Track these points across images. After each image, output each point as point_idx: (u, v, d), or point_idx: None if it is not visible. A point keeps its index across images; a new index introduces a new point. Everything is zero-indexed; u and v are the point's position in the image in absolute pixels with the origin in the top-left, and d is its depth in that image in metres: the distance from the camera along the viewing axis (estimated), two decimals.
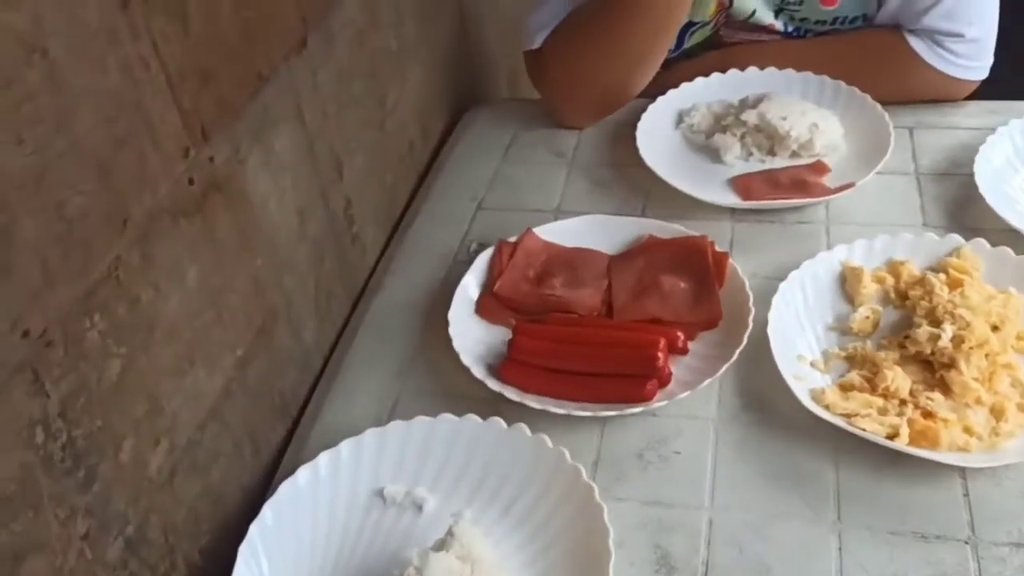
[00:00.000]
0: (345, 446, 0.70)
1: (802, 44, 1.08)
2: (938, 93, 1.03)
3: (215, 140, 0.64)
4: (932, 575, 0.62)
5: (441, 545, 0.61)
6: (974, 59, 1.00)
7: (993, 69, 1.03)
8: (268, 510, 0.66)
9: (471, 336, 0.80)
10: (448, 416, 0.71)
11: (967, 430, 0.69)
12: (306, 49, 0.77)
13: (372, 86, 0.92)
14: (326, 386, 0.80)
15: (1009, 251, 0.80)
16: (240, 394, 0.70)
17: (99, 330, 0.54)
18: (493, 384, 0.74)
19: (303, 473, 0.68)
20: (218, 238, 0.66)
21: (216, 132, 0.64)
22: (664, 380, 0.74)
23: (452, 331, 0.79)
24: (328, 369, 0.83)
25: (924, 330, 0.74)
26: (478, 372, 0.75)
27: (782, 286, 0.79)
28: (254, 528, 0.64)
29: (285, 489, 0.67)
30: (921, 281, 0.80)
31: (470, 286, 0.84)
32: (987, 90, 1.06)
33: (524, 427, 0.70)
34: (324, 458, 0.69)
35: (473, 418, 0.71)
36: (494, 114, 1.12)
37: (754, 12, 1.04)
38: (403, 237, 0.95)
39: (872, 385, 0.73)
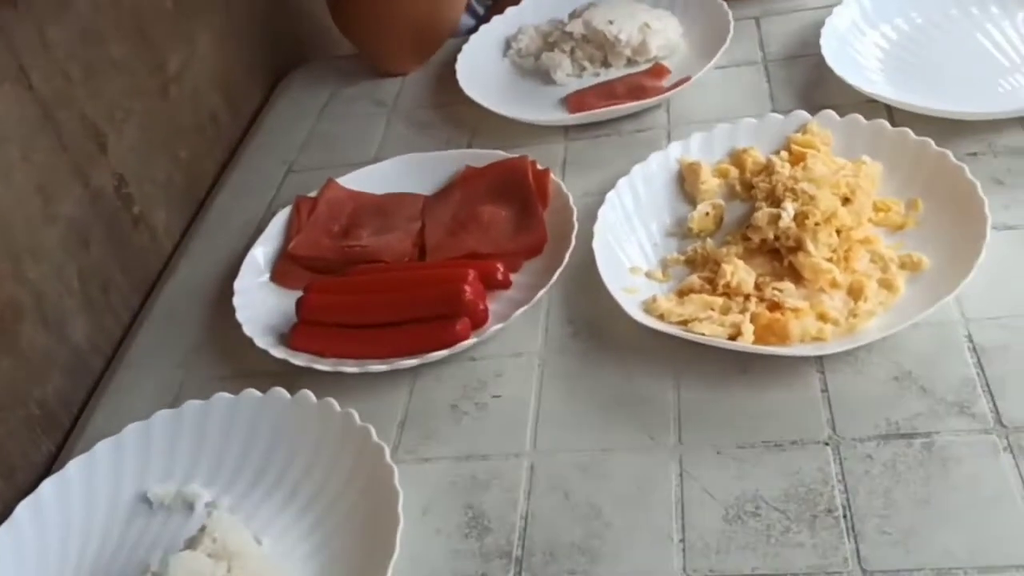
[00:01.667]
0: (101, 448, 0.59)
1: None
2: None
3: None
4: (788, 487, 0.52)
5: (191, 543, 0.50)
6: None
7: None
8: (4, 535, 0.54)
9: (264, 306, 0.69)
10: (222, 395, 0.61)
11: (822, 317, 0.59)
12: (19, 2, 0.67)
13: (140, 49, 0.81)
14: (100, 391, 0.69)
15: (859, 118, 0.71)
16: None
17: None
18: (278, 352, 0.64)
19: (47, 486, 0.57)
20: None
21: None
22: (479, 318, 0.64)
23: (237, 301, 0.68)
24: (107, 372, 0.71)
25: (764, 212, 0.64)
26: (264, 342, 0.65)
27: (609, 195, 0.69)
28: None
29: (23, 509, 0.56)
30: (767, 166, 0.70)
31: (260, 252, 0.73)
32: None
33: (308, 393, 0.59)
34: (74, 466, 0.58)
35: (252, 393, 0.60)
36: (312, 75, 1.02)
37: None
38: (204, 216, 0.85)
39: (713, 285, 0.63)
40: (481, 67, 0.91)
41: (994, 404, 0.53)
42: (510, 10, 0.96)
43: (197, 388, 0.66)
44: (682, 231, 0.69)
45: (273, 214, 0.80)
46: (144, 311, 0.76)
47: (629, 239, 0.68)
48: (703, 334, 0.59)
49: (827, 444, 0.53)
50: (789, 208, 0.63)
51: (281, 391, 0.60)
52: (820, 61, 0.79)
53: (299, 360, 0.63)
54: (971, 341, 0.57)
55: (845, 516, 0.50)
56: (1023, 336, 0.56)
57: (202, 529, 0.50)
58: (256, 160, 0.90)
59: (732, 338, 0.58)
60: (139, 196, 0.78)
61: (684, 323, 0.60)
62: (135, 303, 0.77)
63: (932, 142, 0.67)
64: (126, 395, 0.68)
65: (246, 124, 0.97)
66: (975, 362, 0.56)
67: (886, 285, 0.61)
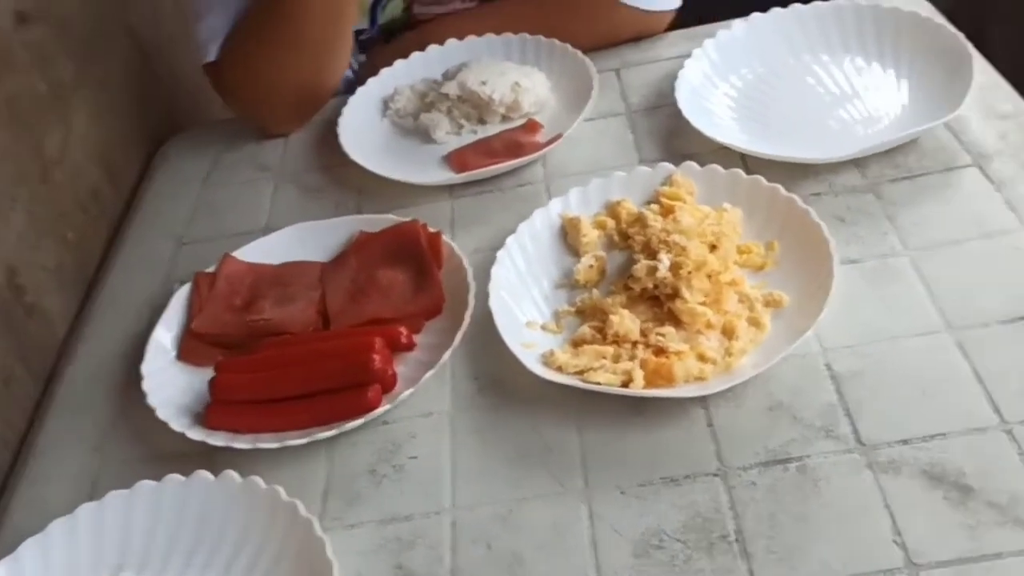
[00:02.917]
0: (26, 548, 0.60)
1: (498, 8, 1.04)
2: (637, 30, 1.02)
3: None
4: (686, 518, 0.58)
5: None
6: None
7: None
8: None
9: (174, 386, 0.71)
10: (145, 483, 0.62)
11: (701, 357, 0.66)
12: None
13: (18, 135, 0.81)
14: (13, 485, 0.69)
15: (718, 168, 0.78)
16: None
17: None
18: (195, 434, 0.65)
19: None
20: None
21: None
22: (388, 383, 0.67)
23: (146, 385, 0.69)
24: (17, 464, 0.71)
25: (642, 264, 0.70)
26: (178, 425, 0.66)
27: (499, 254, 0.74)
28: None
29: None
30: (640, 218, 0.76)
31: (163, 333, 0.75)
32: (687, 18, 1.05)
33: (233, 474, 0.61)
34: (1, 568, 0.58)
35: (175, 478, 0.62)
36: (190, 142, 1.03)
37: None
38: (96, 297, 0.85)
39: (604, 335, 0.69)
40: (361, 128, 0.94)
41: (854, 426, 0.61)
42: (384, 71, 1.00)
43: (114, 473, 0.67)
44: (570, 283, 0.75)
45: (168, 290, 0.82)
46: (46, 399, 0.76)
47: (522, 295, 0.73)
48: (599, 383, 0.64)
49: (716, 475, 0.60)
50: (664, 259, 0.69)
51: (205, 474, 0.62)
52: (676, 111, 0.86)
53: (217, 440, 0.65)
54: (830, 370, 0.64)
55: (737, 540, 0.56)
56: (872, 362, 0.64)
57: None
58: (143, 235, 0.91)
59: (625, 384, 0.64)
60: (31, 285, 0.78)
61: (580, 373, 0.66)
62: (36, 392, 0.76)
63: (782, 188, 0.74)
64: (42, 486, 0.68)
65: (128, 197, 0.97)
66: (835, 388, 0.63)
67: (754, 323, 0.68)
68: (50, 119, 0.86)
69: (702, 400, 0.64)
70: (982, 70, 0.85)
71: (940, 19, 0.89)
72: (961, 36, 0.85)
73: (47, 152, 0.84)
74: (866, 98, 0.86)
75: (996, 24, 1.77)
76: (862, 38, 0.91)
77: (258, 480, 0.61)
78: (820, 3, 0.93)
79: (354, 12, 0.94)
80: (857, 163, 0.80)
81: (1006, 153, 0.78)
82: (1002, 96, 0.84)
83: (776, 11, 0.94)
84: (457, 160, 0.89)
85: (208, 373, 0.72)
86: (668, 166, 0.80)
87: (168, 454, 0.67)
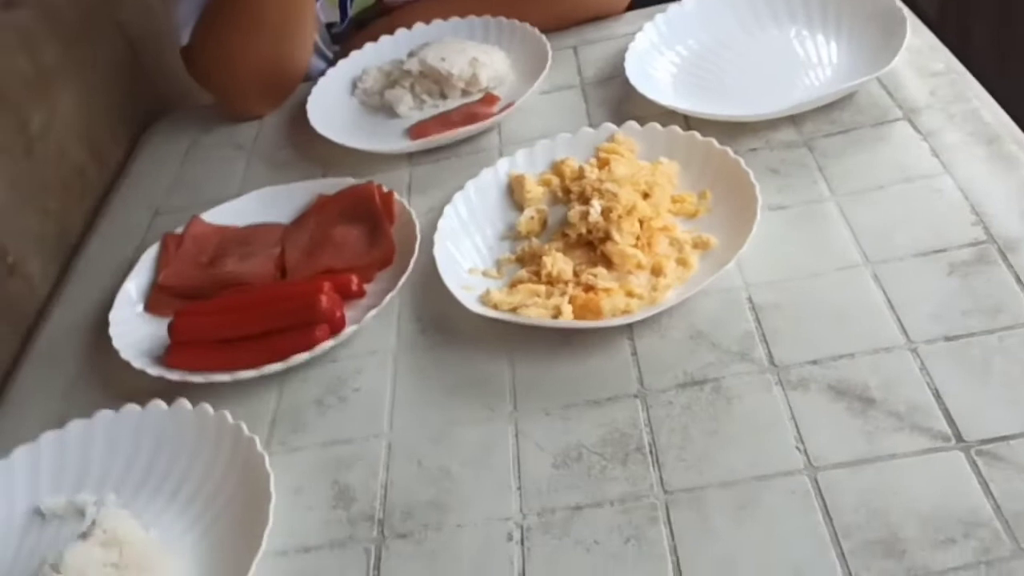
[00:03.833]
0: None
1: None
2: (598, 10, 1.06)
3: None
4: (605, 434, 0.61)
5: (83, 536, 0.56)
6: None
7: None
8: None
9: (138, 334, 0.75)
10: (105, 412, 0.67)
11: (630, 294, 0.69)
12: None
13: (2, 112, 0.86)
14: None
15: (657, 126, 0.82)
16: None
17: None
18: (154, 371, 0.70)
19: None
20: None
21: None
22: (337, 325, 0.71)
23: (113, 331, 0.74)
24: None
25: (576, 210, 0.74)
26: (140, 363, 0.71)
27: (446, 208, 0.78)
28: None
29: None
30: (580, 172, 0.80)
31: (132, 286, 0.79)
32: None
33: (184, 402, 0.66)
34: None
35: (132, 407, 0.66)
36: (173, 125, 1.08)
37: None
38: (76, 262, 0.90)
39: (540, 277, 0.72)
40: (331, 107, 0.99)
41: (768, 350, 0.64)
42: (354, 53, 1.05)
43: (81, 414, 0.71)
44: (513, 235, 0.79)
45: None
46: (22, 354, 0.81)
47: (466, 244, 0.77)
48: (530, 316, 0.68)
49: (636, 396, 0.63)
50: (596, 205, 0.73)
51: (159, 402, 0.66)
52: (626, 81, 0.91)
53: (174, 375, 0.69)
54: (751, 302, 0.68)
55: (651, 452, 0.59)
56: (791, 295, 0.67)
57: (93, 523, 0.56)
58: (124, 207, 0.96)
59: (554, 318, 0.68)
60: (12, 248, 0.83)
61: (514, 309, 0.69)
62: (15, 348, 0.81)
63: (715, 141, 0.78)
64: (13, 430, 0.72)
65: (112, 176, 1.02)
66: (754, 318, 0.66)
67: (682, 263, 0.71)
68: (35, 99, 0.91)
69: (628, 331, 0.68)
70: (917, 32, 0.88)
71: None
72: (898, 1, 0.89)
73: (31, 129, 0.90)
74: (807, 63, 0.89)
75: (980, 23, 1.80)
76: (807, 9, 0.95)
77: (207, 407, 0.65)
78: None
79: None
80: (794, 120, 0.83)
81: (935, 107, 0.81)
82: (936, 57, 0.87)
83: None
84: (417, 131, 0.94)
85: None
86: (611, 126, 0.84)
87: (131, 394, 0.71)
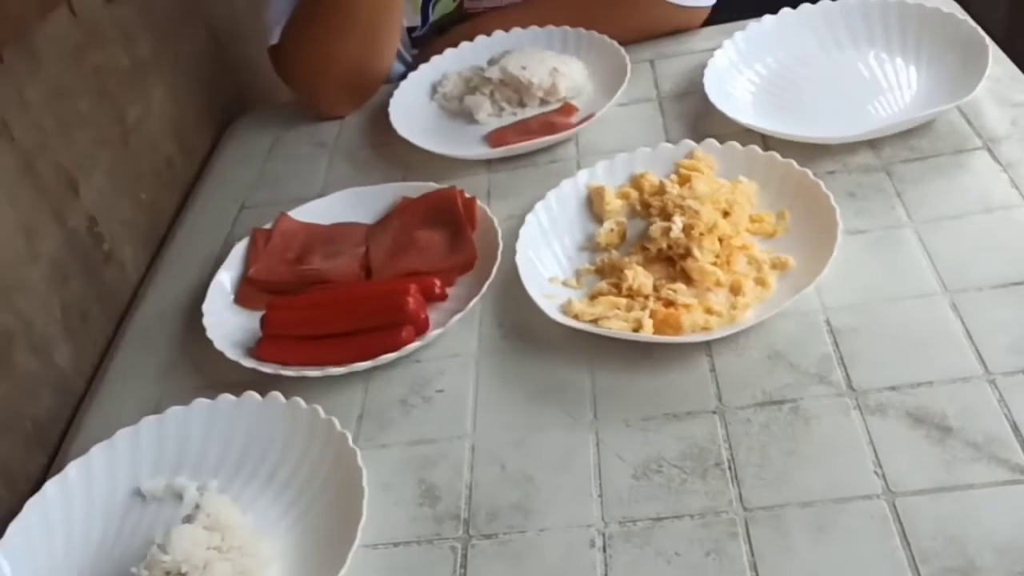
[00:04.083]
0: (96, 450, 0.67)
1: (543, 3, 1.11)
2: (674, 24, 1.08)
3: None
4: (684, 448, 0.63)
5: (188, 519, 0.59)
6: None
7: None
8: (13, 529, 0.63)
9: (230, 325, 0.78)
10: (201, 400, 0.70)
11: (708, 311, 0.71)
12: (2, 64, 0.75)
13: (103, 103, 0.90)
14: (85, 406, 0.77)
15: (736, 144, 0.83)
16: None
17: None
18: (248, 363, 0.73)
19: (51, 486, 0.65)
20: None
21: None
22: (421, 326, 0.74)
23: (207, 322, 0.77)
24: (90, 390, 0.80)
25: (657, 226, 0.76)
26: (234, 355, 0.74)
27: (528, 216, 0.81)
28: None
29: (31, 505, 0.64)
30: (660, 187, 0.82)
31: (225, 278, 0.82)
32: (723, 16, 1.11)
33: (278, 395, 0.68)
34: (73, 467, 0.66)
35: (227, 397, 0.69)
36: (257, 121, 1.11)
37: None
38: (166, 251, 0.93)
39: (619, 289, 0.74)
40: (412, 110, 1.02)
41: (846, 374, 0.65)
42: (435, 58, 1.07)
43: (175, 398, 0.74)
44: (592, 245, 0.81)
45: (230, 247, 0.90)
46: (118, 336, 0.84)
47: (546, 253, 0.79)
48: (611, 328, 0.70)
49: (715, 413, 0.65)
50: (678, 221, 0.75)
51: (253, 394, 0.69)
52: (704, 97, 0.92)
53: (267, 368, 0.72)
54: (829, 325, 0.69)
55: (730, 468, 0.61)
56: (869, 319, 0.68)
57: (197, 507, 0.59)
58: (211, 199, 0.99)
59: (635, 331, 0.70)
60: (108, 235, 0.87)
61: (595, 321, 0.71)
62: (110, 330, 0.85)
63: (795, 163, 0.79)
64: (111, 408, 0.76)
65: (198, 167, 1.06)
66: (832, 341, 0.68)
67: (760, 282, 0.73)
68: (131, 91, 0.95)
69: (706, 347, 0.70)
70: (999, 62, 0.89)
71: (962, 15, 0.94)
72: (979, 29, 0.89)
73: (127, 121, 0.93)
74: (886, 86, 0.90)
75: None
76: (887, 32, 0.95)
77: (300, 400, 0.68)
78: (849, 0, 0.98)
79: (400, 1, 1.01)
80: (872, 145, 0.84)
81: (1015, 137, 0.82)
82: (1017, 87, 0.87)
83: (805, 7, 0.99)
84: (496, 138, 0.96)
85: (259, 316, 0.79)
86: (690, 143, 0.85)
87: (222, 382, 0.74)
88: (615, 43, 1.02)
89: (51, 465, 0.74)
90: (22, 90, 0.77)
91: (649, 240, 0.76)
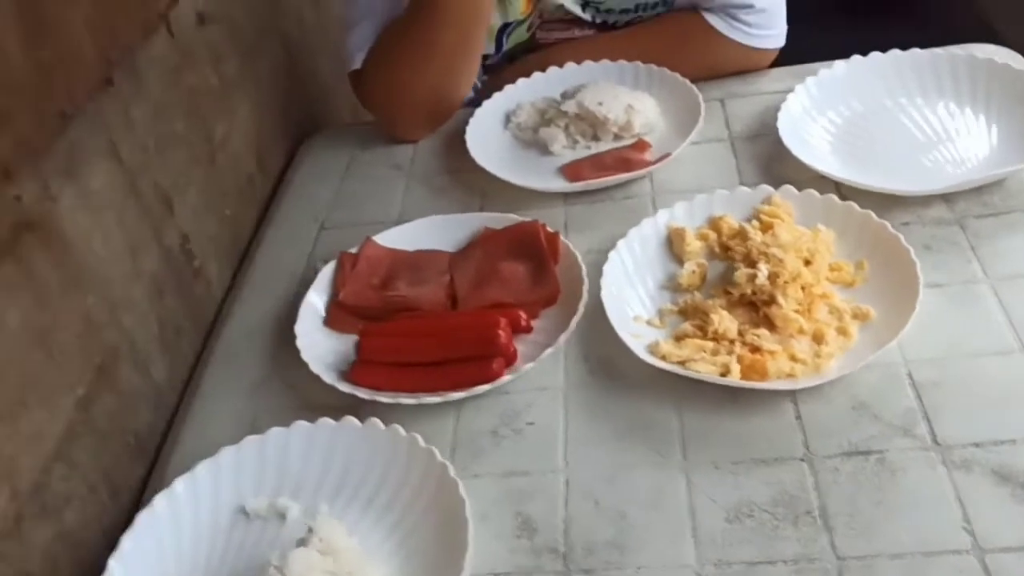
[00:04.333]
0: (201, 467, 0.70)
1: (614, 36, 1.13)
2: (743, 64, 1.10)
3: (19, 179, 0.64)
4: (775, 494, 0.65)
5: (302, 542, 0.61)
6: (767, 28, 1.07)
7: (792, 38, 1.11)
8: (126, 541, 0.65)
9: (321, 347, 0.81)
10: (302, 423, 0.72)
11: (793, 358, 0.73)
12: (112, 87, 0.78)
13: (195, 122, 0.92)
14: (180, 420, 0.80)
15: (814, 192, 0.86)
16: (87, 435, 0.69)
17: None
18: (344, 387, 0.75)
19: (160, 500, 0.68)
20: (37, 278, 0.65)
21: (18, 172, 0.64)
22: (510, 358, 0.76)
23: (300, 343, 0.79)
24: (182, 404, 0.82)
25: (743, 272, 0.78)
26: (329, 378, 0.76)
27: (611, 254, 0.83)
28: (113, 561, 0.63)
29: (143, 518, 0.66)
30: (740, 231, 0.84)
31: (315, 300, 0.85)
32: (789, 58, 1.13)
33: (377, 421, 0.71)
34: (180, 483, 0.69)
35: (327, 421, 0.72)
36: (331, 140, 1.14)
37: (561, 5, 1.09)
38: (249, 267, 0.96)
39: (704, 332, 0.77)
40: (487, 138, 1.04)
41: (931, 427, 0.68)
42: (507, 87, 1.09)
43: (269, 417, 0.77)
44: (672, 285, 0.83)
45: (313, 267, 0.93)
46: (207, 351, 0.87)
47: (630, 292, 0.82)
48: (699, 371, 0.73)
49: (803, 460, 0.67)
50: (763, 269, 0.77)
51: (352, 419, 0.72)
52: (777, 140, 0.94)
53: (363, 394, 0.75)
54: (911, 378, 0.71)
55: (821, 516, 0.63)
56: (951, 374, 0.71)
57: (310, 530, 0.62)
58: (289, 217, 1.02)
59: (722, 375, 0.72)
60: (198, 251, 0.89)
61: (683, 363, 0.74)
62: (198, 345, 0.87)
63: (874, 214, 0.82)
64: (206, 423, 0.78)
65: (274, 184, 1.08)
66: (915, 395, 0.70)
67: (842, 332, 0.75)
68: (219, 110, 0.97)
69: (791, 394, 0.72)
70: None
71: None
72: None
73: (215, 139, 0.96)
74: (957, 140, 0.93)
75: None
76: (956, 85, 0.98)
77: (399, 428, 0.70)
78: (918, 51, 1.01)
79: (480, 33, 1.03)
80: (945, 198, 0.87)
81: None
82: None
83: (875, 56, 1.02)
84: (572, 171, 0.99)
85: (348, 339, 0.82)
86: (768, 188, 0.88)
87: (314, 404, 0.77)
88: (687, 82, 1.04)
89: (149, 477, 0.76)
90: (128, 111, 0.80)
91: (733, 285, 0.78)
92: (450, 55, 1.02)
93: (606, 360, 0.78)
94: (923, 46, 1.01)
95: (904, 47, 1.01)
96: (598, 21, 1.12)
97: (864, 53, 1.02)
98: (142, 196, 0.81)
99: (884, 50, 1.02)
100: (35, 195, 0.66)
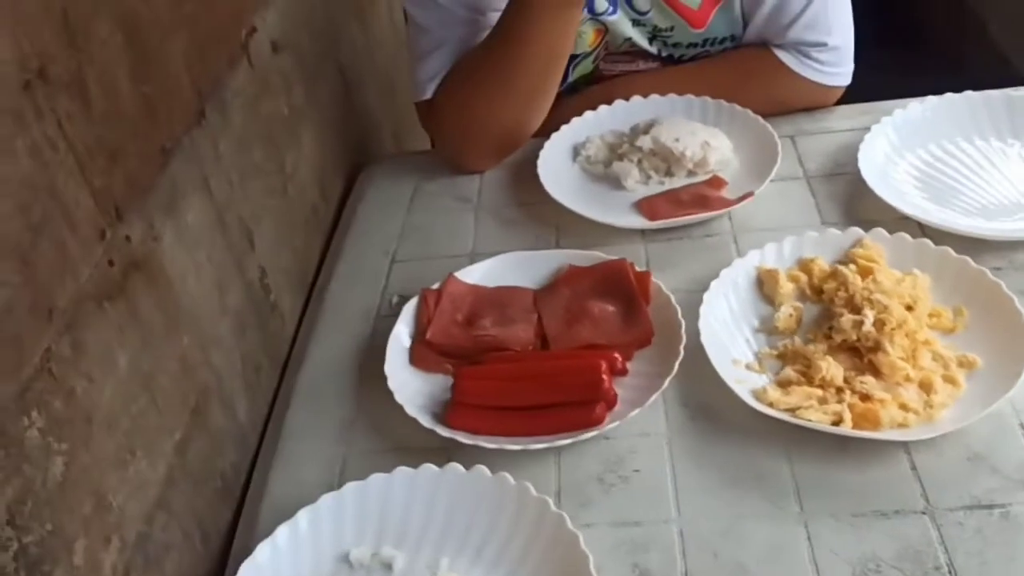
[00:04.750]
0: (303, 515, 0.67)
1: (680, 70, 1.12)
2: (810, 101, 1.09)
3: (129, 218, 0.62)
4: (901, 549, 0.64)
5: None
6: (838, 65, 1.07)
7: (855, 75, 1.10)
8: None
9: (410, 388, 0.79)
10: (404, 469, 0.70)
11: (903, 407, 0.72)
12: (205, 120, 0.76)
13: (271, 152, 0.90)
14: (266, 462, 0.78)
15: (907, 236, 0.85)
16: (183, 480, 0.67)
17: (38, 428, 0.50)
18: (443, 431, 0.73)
19: (263, 550, 0.65)
20: (143, 319, 0.63)
21: (129, 210, 0.62)
22: (612, 402, 0.75)
23: (392, 384, 0.77)
24: (265, 444, 0.80)
25: (848, 319, 0.77)
26: (426, 421, 0.74)
27: (706, 296, 0.81)
28: None
29: (247, 570, 0.64)
30: (833, 274, 0.83)
31: (402, 337, 0.83)
32: (852, 95, 1.12)
33: (484, 468, 0.69)
34: (283, 531, 0.66)
35: (430, 467, 0.70)
36: (391, 169, 1.12)
37: (629, 39, 1.08)
38: (321, 301, 0.94)
39: (808, 378, 0.75)
40: (557, 171, 1.03)
41: None
42: (575, 120, 1.08)
43: (360, 460, 0.75)
44: (768, 328, 0.82)
45: (385, 300, 0.91)
46: (285, 389, 0.84)
47: (727, 336, 0.80)
48: (811, 420, 0.71)
49: (924, 513, 0.66)
50: (869, 316, 0.76)
51: (457, 466, 0.69)
52: (855, 179, 0.93)
53: (463, 438, 0.72)
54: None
55: (950, 572, 0.62)
56: None
57: None
58: (356, 249, 1.00)
59: (834, 424, 0.71)
60: (274, 285, 0.87)
61: (791, 411, 0.72)
62: (275, 382, 0.85)
63: (971, 260, 0.81)
64: (294, 466, 0.76)
65: (335, 214, 1.06)
66: None
67: (949, 380, 0.74)
68: (289, 139, 0.95)
69: (903, 444, 0.70)
70: None
71: None
72: None
73: (286, 169, 0.94)
74: None
75: None
76: None
77: (507, 476, 0.68)
78: (991, 92, 1.00)
79: (560, 67, 1.02)
80: None
81: None
82: None
83: (949, 96, 1.01)
84: (648, 207, 0.97)
85: (434, 378, 0.80)
86: (858, 231, 0.87)
87: (407, 448, 0.75)
88: (759, 118, 1.03)
89: (236, 521, 0.74)
90: (217, 144, 0.78)
91: (836, 331, 0.77)
92: (531, 91, 1.00)
93: (708, 405, 0.76)
94: (940, 78, 1.01)
95: (924, 79, 1.00)
96: (664, 55, 1.11)
97: (891, 87, 1.02)
98: (228, 230, 0.79)
99: (908, 86, 1.02)
100: (141, 234, 0.64)
